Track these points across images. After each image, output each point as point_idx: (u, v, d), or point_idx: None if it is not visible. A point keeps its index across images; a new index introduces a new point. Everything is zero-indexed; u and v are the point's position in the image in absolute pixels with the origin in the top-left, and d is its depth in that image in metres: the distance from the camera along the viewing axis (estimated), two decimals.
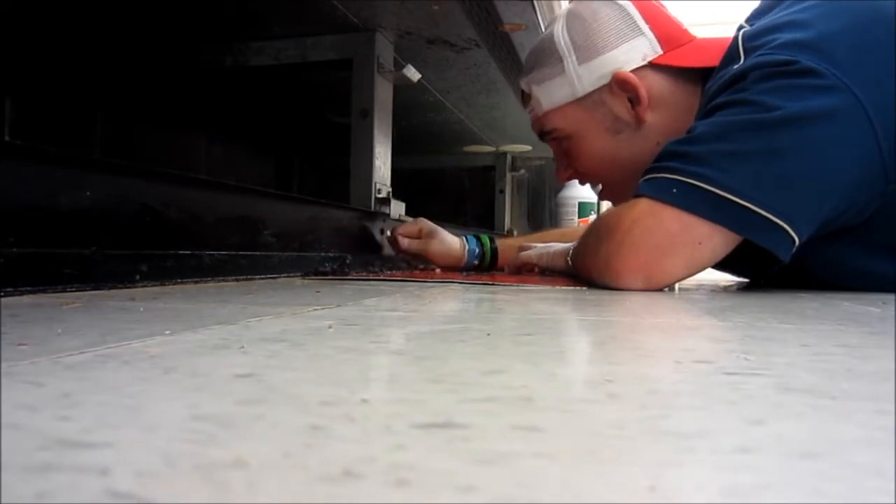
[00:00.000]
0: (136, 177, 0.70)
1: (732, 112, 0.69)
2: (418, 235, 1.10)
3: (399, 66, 1.30)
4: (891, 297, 0.68)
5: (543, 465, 0.15)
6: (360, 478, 0.14)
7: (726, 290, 0.87)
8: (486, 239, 1.14)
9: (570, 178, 0.97)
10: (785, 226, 0.66)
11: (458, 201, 2.85)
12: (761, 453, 0.16)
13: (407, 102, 1.56)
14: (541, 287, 0.76)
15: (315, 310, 0.46)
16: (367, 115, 1.28)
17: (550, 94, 0.89)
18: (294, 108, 1.80)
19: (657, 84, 0.85)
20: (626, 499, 0.13)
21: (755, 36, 0.75)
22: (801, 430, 0.18)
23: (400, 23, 1.24)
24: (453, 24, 1.25)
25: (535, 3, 1.24)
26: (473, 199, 2.84)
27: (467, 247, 1.11)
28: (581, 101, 0.87)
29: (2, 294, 0.50)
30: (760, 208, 0.65)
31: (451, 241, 1.10)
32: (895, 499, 0.13)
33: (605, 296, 0.67)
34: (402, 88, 1.38)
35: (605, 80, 0.85)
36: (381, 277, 0.91)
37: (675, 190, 0.68)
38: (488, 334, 0.36)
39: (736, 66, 0.73)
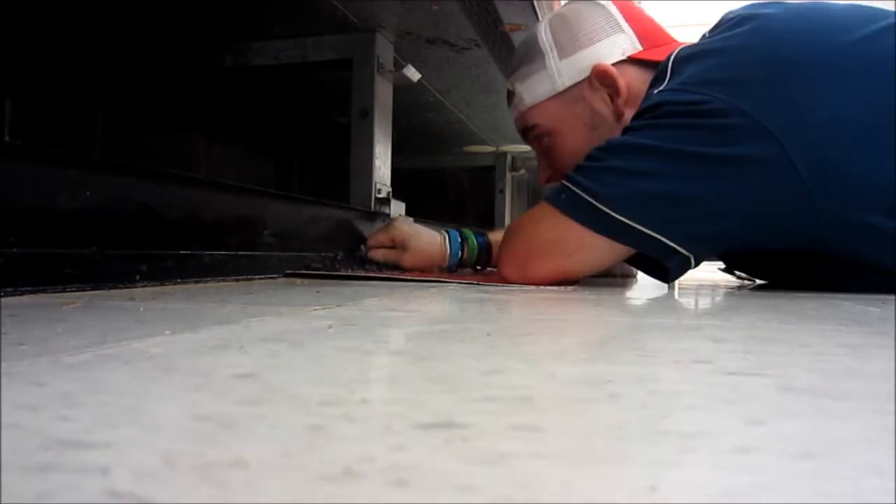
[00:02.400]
0: (136, 177, 0.70)
1: (636, 135, 0.72)
2: (391, 244, 1.04)
3: (399, 66, 1.30)
4: (891, 297, 0.68)
5: (543, 465, 0.15)
6: (360, 478, 0.14)
7: (726, 290, 0.87)
8: (471, 237, 1.06)
9: (549, 181, 0.96)
10: (658, 236, 0.70)
11: (458, 201, 2.85)
12: (761, 453, 0.16)
13: (407, 102, 1.55)
14: (540, 287, 0.76)
15: (315, 310, 0.46)
16: (367, 115, 1.28)
17: (532, 89, 0.90)
18: (294, 108, 1.80)
19: (636, 79, 0.85)
20: (626, 499, 0.13)
21: (684, 59, 0.76)
22: (801, 430, 0.18)
23: (400, 23, 1.24)
24: (453, 24, 1.25)
25: (535, 3, 1.24)
26: (473, 199, 2.84)
27: (449, 250, 1.03)
28: (561, 96, 0.88)
29: (2, 294, 0.50)
30: (627, 218, 0.70)
31: (427, 245, 1.03)
32: (895, 499, 0.13)
33: (604, 296, 0.67)
34: (402, 88, 1.38)
35: (585, 74, 0.86)
36: (373, 275, 0.90)
37: (564, 197, 0.74)
38: (488, 334, 0.36)
39: (655, 92, 0.75)
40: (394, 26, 1.26)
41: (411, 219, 1.29)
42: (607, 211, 0.70)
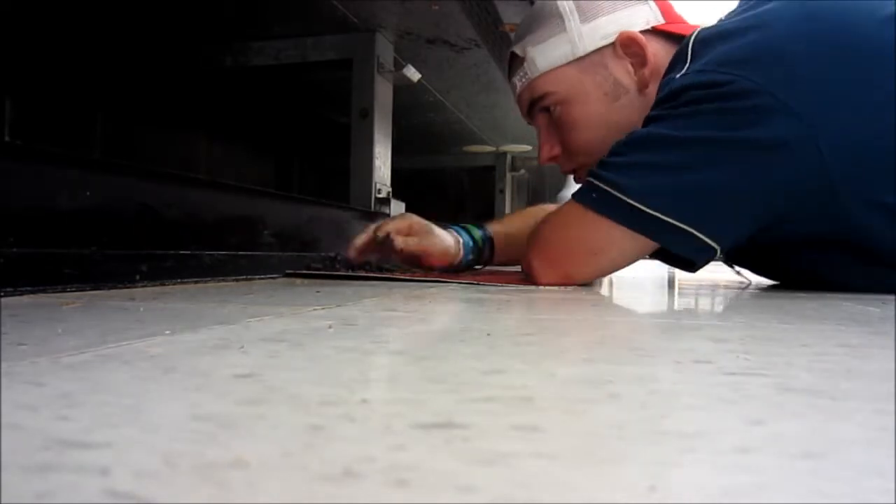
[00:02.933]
0: (136, 177, 0.70)
1: (659, 126, 0.70)
2: (408, 232, 0.95)
3: (399, 66, 1.30)
4: (891, 297, 0.68)
5: (543, 465, 0.15)
6: (360, 478, 0.14)
7: (726, 290, 0.87)
8: (475, 231, 1.00)
9: (552, 160, 0.91)
10: (692, 230, 0.68)
11: (458, 201, 2.86)
12: (761, 453, 0.16)
13: (407, 102, 1.56)
14: (540, 287, 0.76)
15: (315, 310, 0.46)
16: (367, 115, 1.28)
17: (547, 54, 0.85)
18: (294, 108, 1.80)
19: (661, 51, 0.82)
20: (626, 499, 0.13)
21: (706, 41, 0.74)
22: (801, 430, 0.18)
23: (400, 23, 1.24)
24: (453, 24, 1.25)
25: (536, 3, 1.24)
26: (473, 199, 2.84)
27: (462, 240, 0.97)
28: (580, 62, 0.84)
29: (2, 294, 0.50)
30: (661, 213, 0.67)
31: (445, 237, 0.97)
32: (895, 499, 0.13)
33: (605, 296, 0.67)
34: (402, 88, 1.38)
35: (609, 41, 0.83)
36: (374, 275, 0.90)
37: (594, 195, 0.71)
38: (488, 334, 0.36)
39: (678, 77, 0.73)
40: (394, 26, 1.26)
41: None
42: (638, 206, 0.68)
